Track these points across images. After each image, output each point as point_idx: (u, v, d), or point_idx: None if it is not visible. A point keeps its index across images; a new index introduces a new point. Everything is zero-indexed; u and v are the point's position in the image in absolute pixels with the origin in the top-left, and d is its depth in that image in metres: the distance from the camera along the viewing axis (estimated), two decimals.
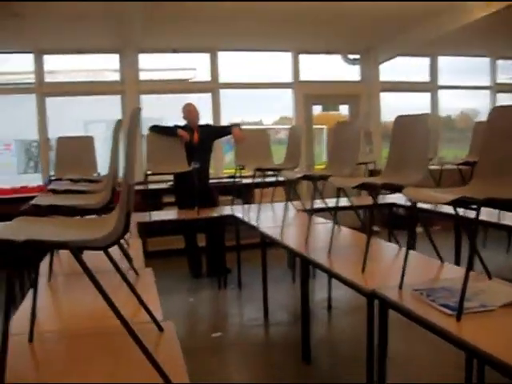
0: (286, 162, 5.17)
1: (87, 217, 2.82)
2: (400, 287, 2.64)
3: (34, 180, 7.70)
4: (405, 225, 4.14)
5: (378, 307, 2.63)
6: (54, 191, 3.59)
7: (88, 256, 2.19)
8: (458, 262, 4.92)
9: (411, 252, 3.43)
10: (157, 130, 5.91)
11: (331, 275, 3.17)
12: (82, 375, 1.84)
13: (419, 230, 8.28)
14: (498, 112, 2.59)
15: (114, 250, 3.03)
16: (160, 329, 2.21)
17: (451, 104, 9.74)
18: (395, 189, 2.95)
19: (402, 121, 3.33)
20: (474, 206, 2.24)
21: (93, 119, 8.21)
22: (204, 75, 8.34)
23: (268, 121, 9.45)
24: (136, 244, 4.07)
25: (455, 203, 2.25)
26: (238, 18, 6.59)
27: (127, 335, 1.74)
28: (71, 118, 8.11)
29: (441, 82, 9.37)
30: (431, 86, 9.34)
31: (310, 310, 4.69)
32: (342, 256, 3.48)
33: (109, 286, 2.19)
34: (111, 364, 1.92)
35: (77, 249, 1.66)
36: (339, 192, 3.45)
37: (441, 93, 9.40)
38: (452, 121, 10.75)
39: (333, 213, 3.87)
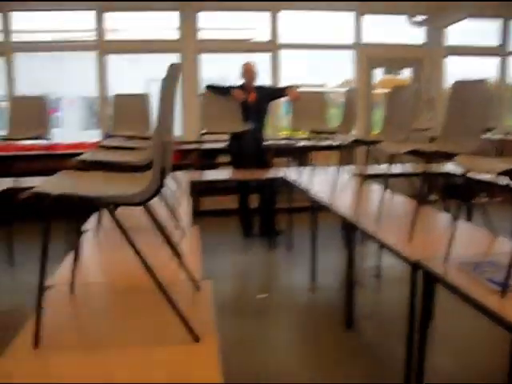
0: (342, 125, 5.06)
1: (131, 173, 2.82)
2: (446, 259, 2.55)
3: (96, 136, 7.85)
4: (461, 195, 3.99)
5: (422, 278, 2.56)
6: (104, 147, 3.63)
7: (137, 212, 2.23)
8: None
9: (464, 224, 3.33)
10: (212, 89, 5.89)
11: (376, 242, 3.09)
12: (112, 328, 1.88)
13: (480, 200, 8.05)
14: None
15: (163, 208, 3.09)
16: (197, 287, 2.20)
17: None
18: (448, 156, 2.82)
19: (459, 86, 3.17)
20: None
21: (154, 77, 8.24)
22: (265, 35, 8.21)
23: (332, 84, 9.23)
24: (185, 203, 4.08)
25: (506, 174, 2.12)
26: None
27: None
28: (133, 75, 8.18)
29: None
30: (501, 51, 8.87)
31: (358, 276, 4.65)
32: (391, 223, 3.38)
33: (154, 243, 2.22)
34: (143, 319, 1.95)
35: (109, 204, 1.65)
36: (391, 158, 3.33)
37: None
38: None
39: (384, 179, 3.76)
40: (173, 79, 1.75)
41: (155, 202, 3.17)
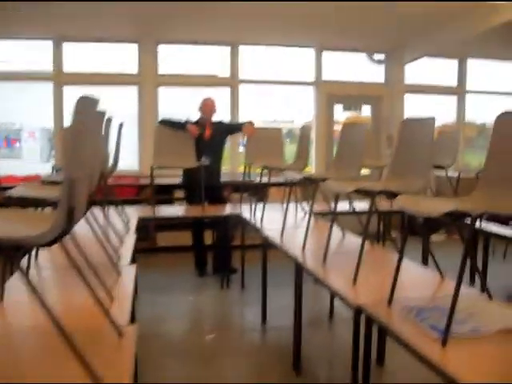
0: (296, 162, 4.97)
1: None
2: (389, 303, 2.43)
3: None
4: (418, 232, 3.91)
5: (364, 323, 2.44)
6: (44, 182, 3.46)
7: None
8: (472, 279, 4.61)
9: (412, 264, 3.22)
10: (166, 123, 5.78)
11: (321, 284, 2.96)
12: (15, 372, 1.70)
13: (440, 237, 8.04)
14: (504, 118, 2.35)
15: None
16: (120, 333, 2.03)
17: (489, 111, 9.32)
18: (394, 195, 2.73)
19: (407, 124, 3.12)
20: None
21: (114, 110, 8.07)
22: (225, 70, 8.18)
23: (300, 121, 9.15)
24: (130, 240, 3.90)
25: (448, 216, 2.03)
26: (260, 12, 6.42)
27: (84, 336, 1.59)
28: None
29: (472, 86, 9.02)
30: (458, 90, 9.00)
31: (310, 317, 4.51)
32: (338, 264, 3.28)
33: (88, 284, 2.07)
34: (47, 369, 1.76)
35: (7, 247, 1.49)
36: (338, 197, 3.24)
37: (478, 99, 9.04)
38: (487, 128, 10.37)
39: (332, 217, 3.66)
40: (84, 112, 1.62)
41: (92, 240, 3.03)
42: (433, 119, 2.84)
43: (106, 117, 3.68)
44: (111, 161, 4.18)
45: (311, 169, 8.43)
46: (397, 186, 2.70)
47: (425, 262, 4.60)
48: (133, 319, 3.15)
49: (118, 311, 2.25)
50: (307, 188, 5.46)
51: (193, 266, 6.13)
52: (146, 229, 6.51)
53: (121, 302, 2.43)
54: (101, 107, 3.40)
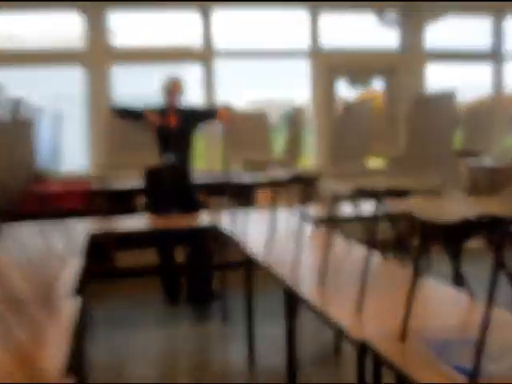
0: (285, 154, 4.88)
1: None
2: (402, 336, 2.35)
3: None
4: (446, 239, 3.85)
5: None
6: None
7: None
8: None
9: (434, 283, 3.15)
10: (119, 112, 5.72)
11: (317, 314, 2.89)
12: None
13: (477, 244, 7.97)
14: None
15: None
16: None
17: None
18: (405, 194, 2.66)
19: (421, 102, 3.05)
20: None
21: (60, 94, 7.97)
22: (195, 40, 8.11)
23: (301, 98, 9.06)
24: (74, 264, 3.80)
25: (470, 222, 1.95)
26: None
27: None
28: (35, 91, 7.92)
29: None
30: (494, 56, 8.92)
31: (312, 351, 4.46)
32: (339, 285, 3.21)
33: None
34: None
35: None
36: (336, 197, 3.17)
37: None
38: None
39: (328, 225, 3.59)
40: None
41: (22, 266, 2.96)
42: (453, 93, 2.76)
43: (37, 107, 3.62)
44: (46, 163, 4.11)
45: (312, 161, 8.36)
46: (408, 182, 2.63)
47: (457, 279, 4.52)
48: (78, 366, 3.10)
49: (48, 359, 2.17)
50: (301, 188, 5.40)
51: (160, 292, 6.05)
52: (101, 247, 6.41)
53: (54, 346, 2.34)
54: (20, 93, 3.32)
